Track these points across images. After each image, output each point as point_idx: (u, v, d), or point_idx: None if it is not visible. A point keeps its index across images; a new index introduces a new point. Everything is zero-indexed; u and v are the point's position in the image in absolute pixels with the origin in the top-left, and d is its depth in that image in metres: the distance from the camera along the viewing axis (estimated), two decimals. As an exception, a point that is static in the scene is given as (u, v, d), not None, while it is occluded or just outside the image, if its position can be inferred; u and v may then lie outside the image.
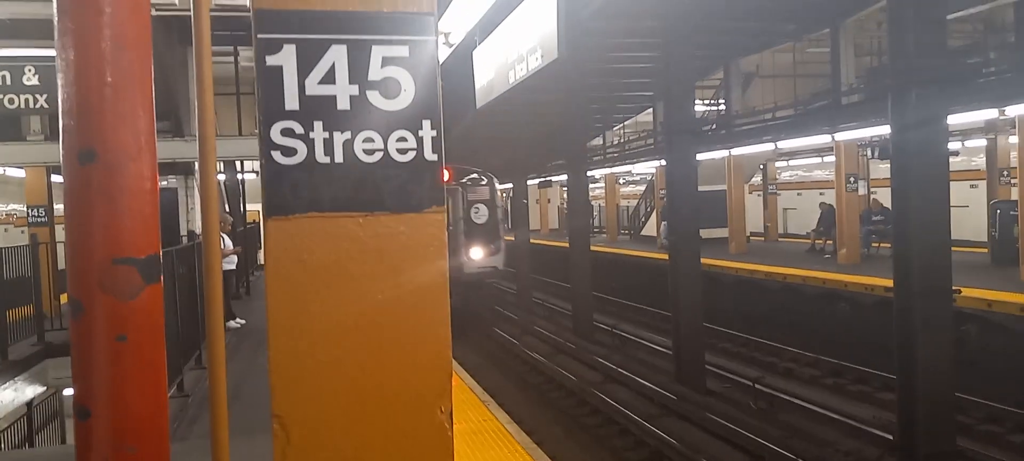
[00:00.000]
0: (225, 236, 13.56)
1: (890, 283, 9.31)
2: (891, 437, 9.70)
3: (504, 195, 22.24)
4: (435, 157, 2.24)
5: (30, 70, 11.36)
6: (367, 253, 2.21)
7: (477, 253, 19.79)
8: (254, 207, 25.05)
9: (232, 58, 15.30)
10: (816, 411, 11.52)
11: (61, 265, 12.97)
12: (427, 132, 2.23)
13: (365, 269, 2.22)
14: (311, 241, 2.18)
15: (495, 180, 20.85)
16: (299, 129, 2.15)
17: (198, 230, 15.48)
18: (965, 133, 20.71)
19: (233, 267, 14.34)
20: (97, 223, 1.69)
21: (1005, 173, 19.78)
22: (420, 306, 2.25)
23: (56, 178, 17.05)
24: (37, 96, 11.45)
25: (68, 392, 12.53)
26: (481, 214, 20.05)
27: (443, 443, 2.29)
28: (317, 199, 2.17)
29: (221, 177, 19.86)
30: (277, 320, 2.17)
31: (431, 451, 2.27)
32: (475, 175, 20.44)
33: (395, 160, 2.22)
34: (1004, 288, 12.76)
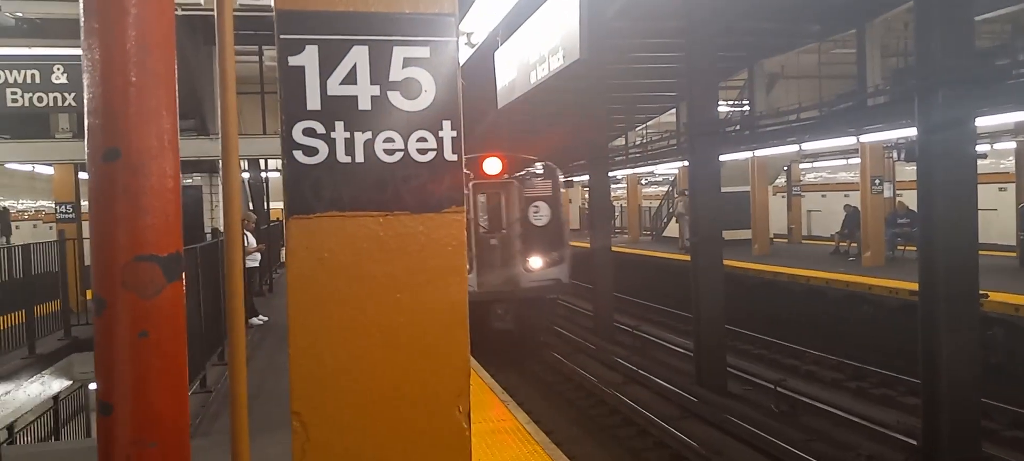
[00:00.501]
0: (248, 234, 13.67)
1: (915, 286, 9.21)
2: (915, 442, 9.59)
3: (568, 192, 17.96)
4: (455, 157, 2.25)
5: (59, 69, 11.52)
6: (387, 253, 2.23)
7: (536, 262, 16.18)
8: (278, 205, 25.24)
9: (257, 57, 15.43)
10: (838, 415, 11.42)
11: (88, 261, 13.13)
12: (447, 132, 2.25)
13: (385, 268, 2.23)
14: (331, 240, 2.20)
15: (559, 173, 17.12)
16: (321, 129, 2.17)
17: (222, 227, 15.63)
18: (994, 135, 20.43)
19: (256, 264, 14.47)
20: (120, 221, 1.72)
21: (1034, 176, 19.49)
22: (439, 306, 2.26)
23: (83, 175, 17.28)
24: (65, 94, 11.61)
25: (93, 386, 12.69)
26: (541, 214, 16.35)
27: (461, 442, 2.29)
28: (338, 199, 2.19)
29: (245, 175, 20.02)
30: (297, 318, 2.19)
31: (448, 450, 2.28)
32: (536, 167, 16.84)
33: (415, 160, 2.23)
34: (1032, 293, 12.57)
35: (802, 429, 11.11)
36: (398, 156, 2.22)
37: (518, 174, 16.49)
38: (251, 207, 18.93)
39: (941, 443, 8.57)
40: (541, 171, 16.73)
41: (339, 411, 2.20)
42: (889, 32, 17.61)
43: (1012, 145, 20.60)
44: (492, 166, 16.02)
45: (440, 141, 2.24)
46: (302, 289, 2.19)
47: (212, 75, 13.84)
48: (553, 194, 16.66)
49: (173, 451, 1.78)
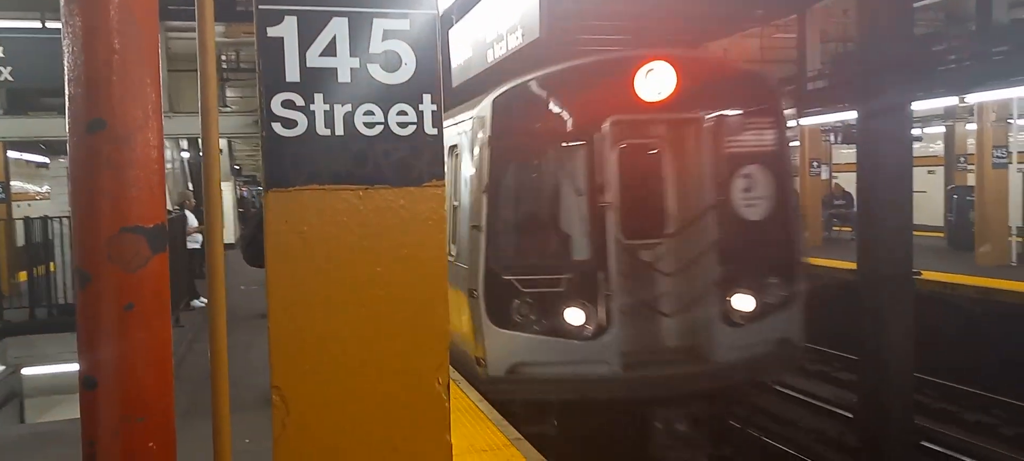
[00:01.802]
0: (190, 213, 13.37)
1: (852, 265, 9.50)
2: (851, 415, 9.93)
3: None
4: (435, 131, 2.26)
5: (-6, 42, 11.01)
6: (367, 227, 2.23)
7: (746, 303, 7.31)
8: (217, 185, 24.65)
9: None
10: (778, 389, 11.73)
11: (20, 242, 12.69)
12: (427, 106, 2.25)
13: (364, 242, 2.23)
14: (311, 214, 2.19)
15: (783, 100, 8.10)
16: (300, 101, 2.15)
17: (170, 205, 15.21)
18: (924, 120, 21.15)
19: (198, 246, 14.16)
20: (105, 193, 1.69)
21: (962, 159, 20.24)
22: (419, 279, 2.27)
23: (13, 154, 16.62)
24: (1, 69, 11.12)
25: (27, 371, 12.30)
26: (758, 195, 7.46)
27: (440, 414, 2.32)
28: (317, 172, 2.18)
29: (185, 154, 19.55)
30: (276, 293, 2.18)
31: (428, 422, 2.30)
32: (746, 91, 7.75)
33: (395, 133, 2.23)
34: (960, 271, 13.10)
35: (743, 404, 11.38)
36: (378, 129, 2.22)
37: (708, 107, 7.32)
38: (190, 187, 18.52)
39: (877, 416, 8.89)
40: (754, 97, 7.73)
41: (319, 385, 2.20)
42: (829, 18, 18.03)
43: (941, 129, 21.36)
44: (658, 83, 7.06)
45: (420, 114, 2.24)
46: (281, 263, 2.18)
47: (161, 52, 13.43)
48: (776, 146, 7.66)
49: (159, 426, 1.76)
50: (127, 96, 1.68)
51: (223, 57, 20.89)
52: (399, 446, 2.26)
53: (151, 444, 1.72)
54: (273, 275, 2.16)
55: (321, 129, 2.17)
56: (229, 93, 22.54)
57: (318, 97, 2.16)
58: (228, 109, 18.99)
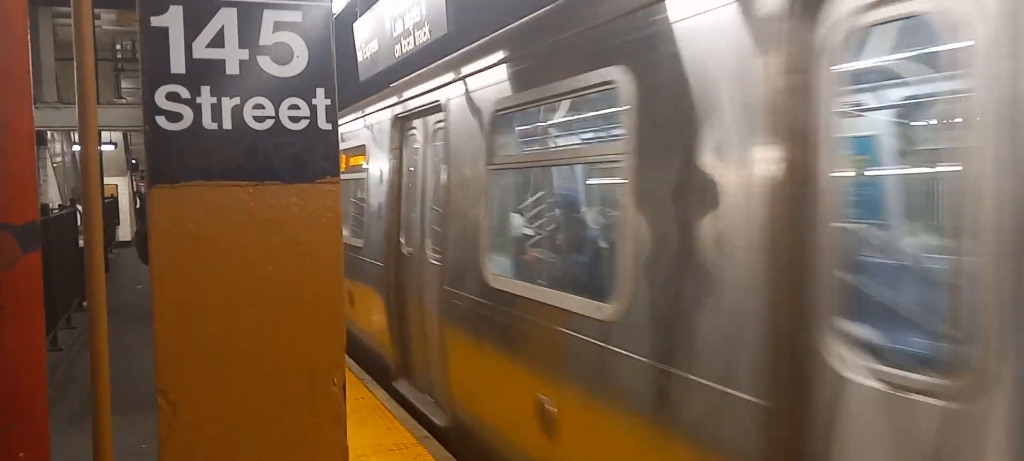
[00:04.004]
0: (82, 209, 12.77)
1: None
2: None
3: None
4: (330, 126, 2.21)
5: None
6: (258, 224, 2.17)
7: None
8: (112, 181, 23.72)
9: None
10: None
11: None
12: (321, 100, 2.20)
13: (256, 240, 2.17)
14: (198, 210, 2.12)
15: None
16: (185, 93, 2.08)
17: (51, 203, 14.55)
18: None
19: (91, 243, 13.55)
20: (-32, 188, 1.59)
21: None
22: (313, 278, 2.23)
23: None
24: None
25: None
26: None
27: (336, 415, 2.28)
28: (205, 167, 2.11)
29: (76, 148, 18.71)
30: (162, 292, 2.10)
31: (324, 423, 2.26)
32: None
33: (287, 128, 2.18)
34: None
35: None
36: (269, 124, 2.16)
37: None
38: (83, 182, 17.69)
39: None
40: None
41: (209, 387, 2.13)
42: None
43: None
44: None
45: (313, 109, 2.20)
46: (166, 262, 2.10)
47: (38, 38, 12.80)
48: None
49: (32, 433, 1.67)
50: (-8, 86, 1.59)
51: (118, 46, 20.05)
52: (294, 448, 2.22)
53: (22, 453, 1.63)
54: (158, 274, 2.09)
55: (208, 123, 2.10)
56: (124, 84, 21.68)
57: (205, 90, 2.09)
58: (123, 101, 18.26)
